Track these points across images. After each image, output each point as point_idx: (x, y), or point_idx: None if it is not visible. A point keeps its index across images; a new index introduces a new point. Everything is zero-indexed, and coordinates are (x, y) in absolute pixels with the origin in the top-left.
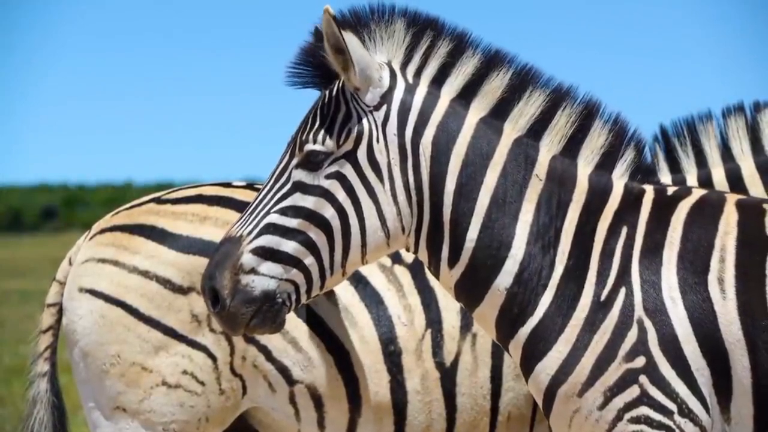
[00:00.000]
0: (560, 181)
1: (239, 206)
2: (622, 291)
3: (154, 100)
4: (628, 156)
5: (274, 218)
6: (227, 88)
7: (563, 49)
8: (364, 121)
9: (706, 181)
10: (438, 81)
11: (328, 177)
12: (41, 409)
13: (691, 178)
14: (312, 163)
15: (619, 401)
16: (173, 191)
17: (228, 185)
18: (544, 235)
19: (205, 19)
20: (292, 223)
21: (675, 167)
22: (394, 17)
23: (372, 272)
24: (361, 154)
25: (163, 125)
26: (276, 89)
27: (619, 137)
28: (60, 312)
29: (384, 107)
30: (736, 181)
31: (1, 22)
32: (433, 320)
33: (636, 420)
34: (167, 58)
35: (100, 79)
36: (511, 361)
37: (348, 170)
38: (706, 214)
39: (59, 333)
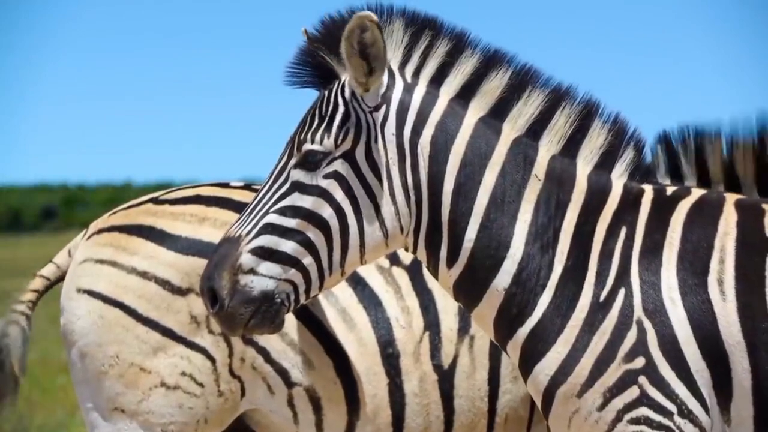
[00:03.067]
0: (559, 181)
1: (237, 207)
2: (622, 292)
3: (153, 100)
4: (627, 156)
5: (273, 218)
6: (226, 88)
7: (563, 49)
8: (363, 121)
9: None
10: (437, 80)
11: (326, 177)
12: (14, 331)
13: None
14: (310, 163)
15: (619, 402)
16: (171, 191)
17: (226, 186)
18: (543, 235)
19: (204, 19)
20: (291, 223)
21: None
22: (393, 17)
23: (370, 274)
24: (360, 154)
25: (163, 125)
26: (275, 89)
27: (619, 137)
28: (47, 286)
29: (383, 107)
30: None
31: (1, 22)
32: (432, 322)
33: (636, 421)
34: (166, 58)
35: (99, 79)
36: (509, 363)
37: (346, 170)
38: (706, 214)
39: (38, 302)
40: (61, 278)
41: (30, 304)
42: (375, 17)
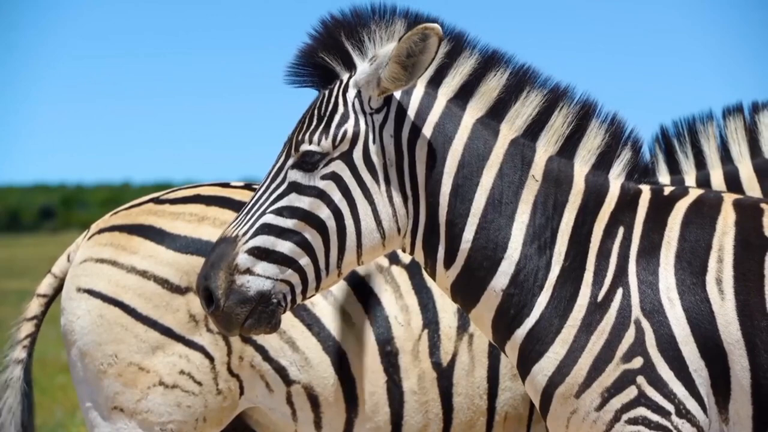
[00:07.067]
0: (556, 182)
1: (237, 206)
2: (619, 292)
3: (152, 101)
4: (624, 156)
5: (270, 218)
6: (225, 89)
7: (562, 49)
8: (361, 122)
9: (704, 183)
10: (435, 81)
11: (323, 178)
12: (11, 396)
13: (690, 179)
14: (308, 163)
15: (617, 402)
16: (171, 191)
17: (226, 185)
18: (541, 236)
19: (203, 20)
20: (288, 223)
21: (674, 168)
22: (395, 18)
23: (369, 272)
24: (357, 155)
25: (162, 125)
26: (274, 90)
27: (616, 137)
28: (47, 304)
29: (384, 109)
30: (734, 184)
31: (1, 22)
32: (430, 320)
33: (633, 421)
34: (166, 59)
35: (98, 80)
36: (508, 361)
37: (344, 171)
38: (704, 214)
39: (41, 326)
40: (60, 288)
41: (28, 341)
42: (441, 33)
